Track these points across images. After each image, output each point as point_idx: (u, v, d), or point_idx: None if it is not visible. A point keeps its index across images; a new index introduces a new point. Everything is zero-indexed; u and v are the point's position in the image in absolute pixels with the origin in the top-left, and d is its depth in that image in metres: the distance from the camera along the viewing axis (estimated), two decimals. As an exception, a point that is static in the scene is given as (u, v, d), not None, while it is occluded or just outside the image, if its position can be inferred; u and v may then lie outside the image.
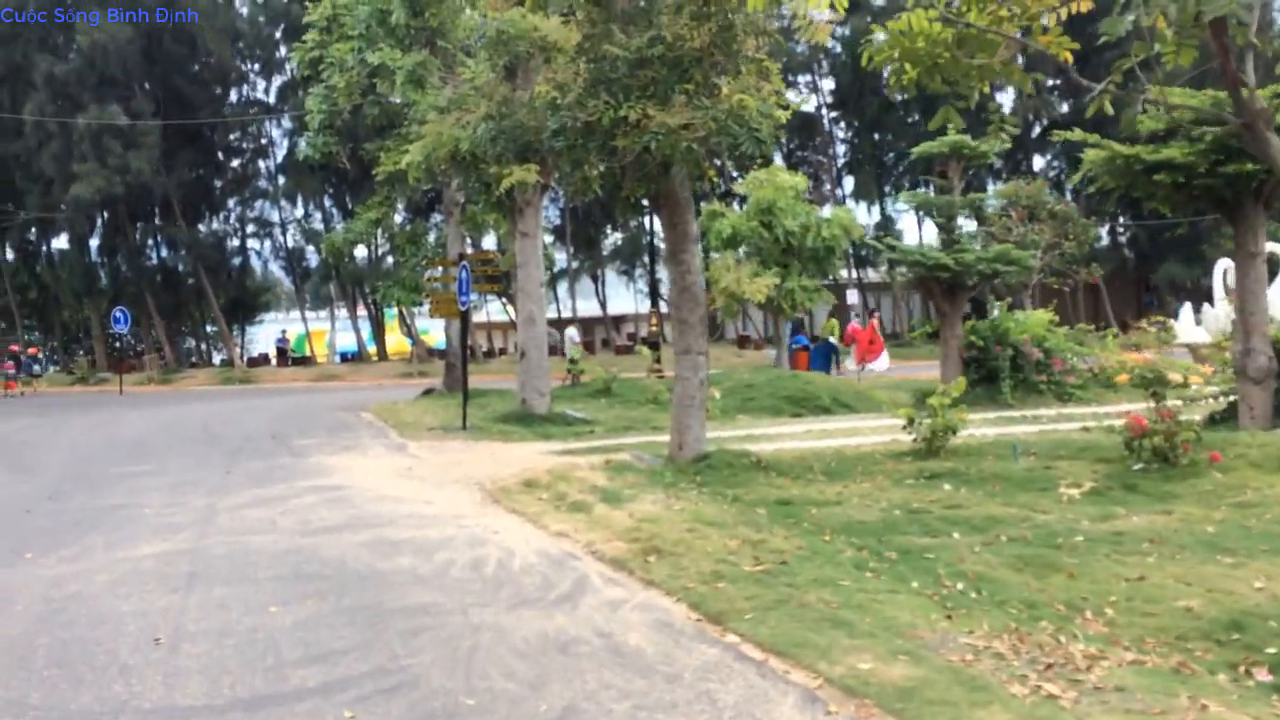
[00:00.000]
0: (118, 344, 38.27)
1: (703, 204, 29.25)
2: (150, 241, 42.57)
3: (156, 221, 41.47)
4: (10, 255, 46.07)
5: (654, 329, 27.28)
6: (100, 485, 11.50)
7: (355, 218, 22.95)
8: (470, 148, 16.13)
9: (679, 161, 10.75)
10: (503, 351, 44.22)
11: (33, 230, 43.23)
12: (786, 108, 11.12)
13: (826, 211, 26.29)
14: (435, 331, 46.07)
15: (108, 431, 18.15)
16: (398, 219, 26.63)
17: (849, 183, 42.52)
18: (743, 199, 29.05)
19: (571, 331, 27.25)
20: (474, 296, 16.91)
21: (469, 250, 23.10)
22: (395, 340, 46.58)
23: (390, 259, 40.69)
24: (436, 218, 32.71)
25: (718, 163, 12.08)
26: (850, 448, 13.40)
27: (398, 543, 8.26)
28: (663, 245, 12.32)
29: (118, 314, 32.38)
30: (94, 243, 43.83)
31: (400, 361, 41.47)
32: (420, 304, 23.18)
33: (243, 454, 14.06)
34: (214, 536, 8.59)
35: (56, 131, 34.94)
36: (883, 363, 25.78)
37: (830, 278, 26.36)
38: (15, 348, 36.60)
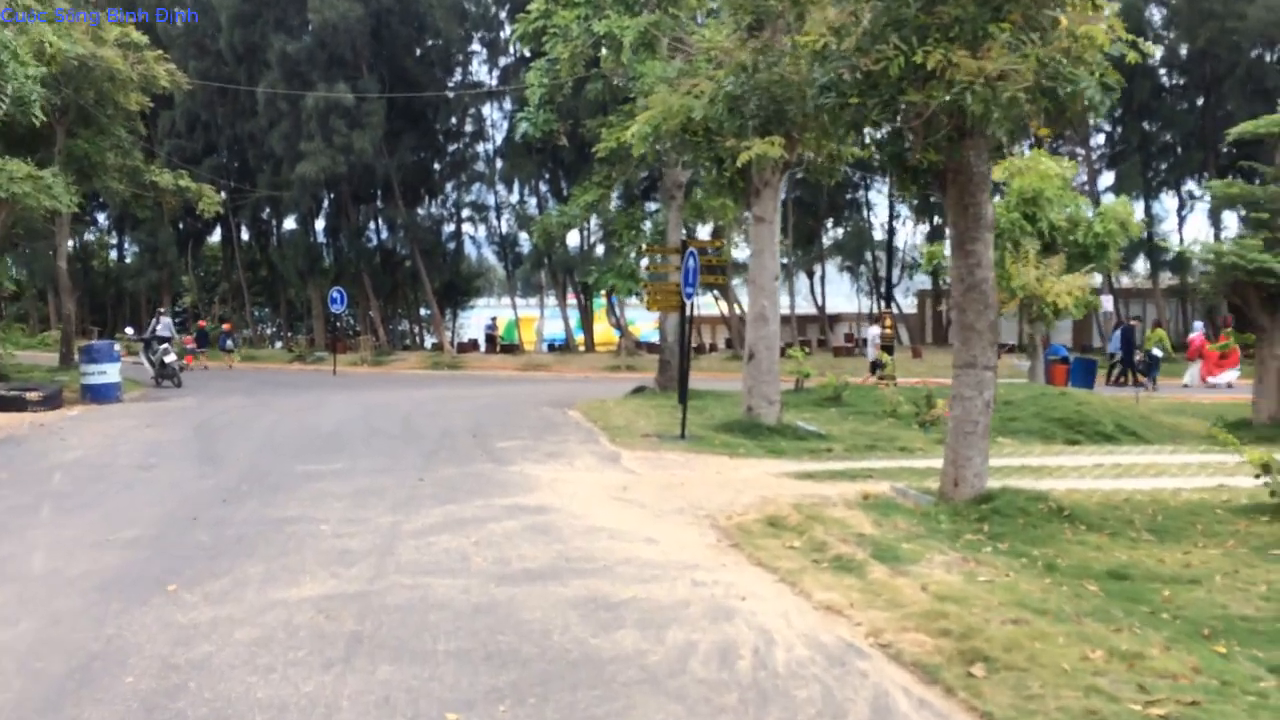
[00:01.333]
0: (336, 324, 38.69)
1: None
2: (370, 223, 43.03)
3: (378, 203, 41.79)
4: (245, 234, 47.86)
5: (889, 331, 24.53)
6: (280, 488, 10.13)
7: (570, 200, 21.44)
8: (705, 118, 14.14)
9: (997, 120, 8.30)
10: (712, 348, 42.28)
11: (266, 210, 44.57)
12: (1134, 45, 8.45)
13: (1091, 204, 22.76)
14: (642, 322, 44.74)
15: (308, 417, 17.23)
16: (613, 203, 25.01)
17: (1106, 177, 38.17)
18: (996, 187, 25.85)
19: (875, 331, 24.88)
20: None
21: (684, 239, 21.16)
22: (601, 330, 45.50)
23: (601, 247, 39.55)
24: (651, 206, 31.15)
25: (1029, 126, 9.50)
26: (1166, 493, 10.64)
27: (617, 605, 6.28)
28: (949, 230, 9.78)
29: (334, 294, 32.41)
30: (319, 224, 44.87)
31: (607, 353, 40.26)
32: (636, 293, 21.39)
33: (439, 455, 12.55)
34: (391, 575, 6.86)
35: (286, 110, 35.44)
36: (1227, 376, 22.46)
37: (1100, 279, 22.86)
38: (203, 323, 37.77)
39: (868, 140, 10.26)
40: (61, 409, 18.42)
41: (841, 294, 49.82)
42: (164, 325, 25.57)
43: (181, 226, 45.72)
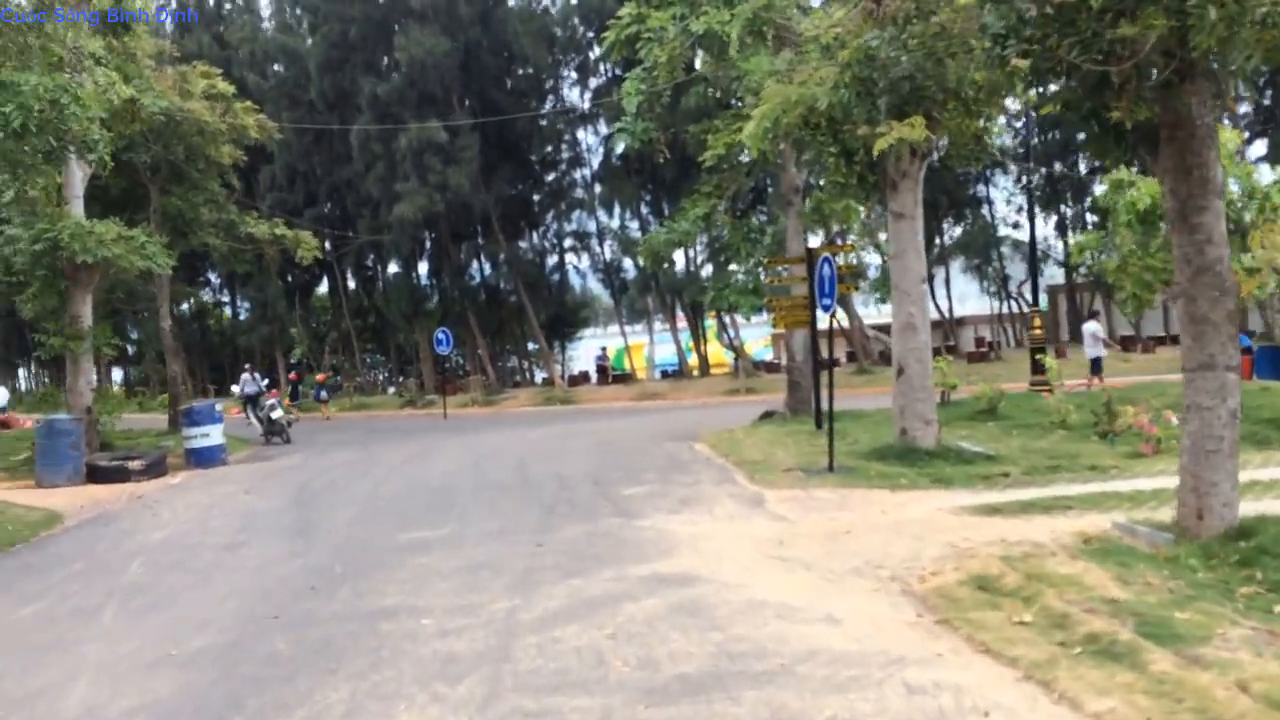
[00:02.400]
0: (445, 366, 37.91)
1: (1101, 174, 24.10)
2: (473, 261, 42.29)
3: (478, 240, 41.03)
4: (351, 283, 47.75)
5: (1038, 332, 22.21)
6: (379, 564, 8.69)
7: (677, 216, 19.87)
8: (830, 106, 12.41)
9: (1242, 49, 6.38)
10: (835, 362, 39.93)
11: (371, 257, 44.29)
12: None
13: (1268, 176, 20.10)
14: (752, 341, 42.77)
15: (416, 470, 15.94)
16: (719, 215, 23.13)
17: (1256, 146, 34.80)
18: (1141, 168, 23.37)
19: (1095, 326, 22.50)
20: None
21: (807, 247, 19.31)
22: (713, 352, 43.72)
23: (709, 266, 37.87)
24: (759, 218, 29.35)
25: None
26: None
27: (814, 735, 4.55)
28: (1166, 201, 7.77)
29: (439, 335, 31.48)
30: (422, 266, 44.36)
31: (723, 376, 38.51)
32: (758, 310, 19.66)
33: (558, 510, 11.00)
34: (509, 695, 5.27)
35: (380, 153, 34.90)
36: None
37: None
38: (295, 376, 37.44)
39: (1048, 97, 8.36)
40: (165, 476, 17.58)
41: (966, 296, 47.11)
42: (245, 382, 24.83)
43: (290, 279, 45.84)
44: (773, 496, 11.22)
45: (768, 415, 19.90)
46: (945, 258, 39.32)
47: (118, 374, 57.53)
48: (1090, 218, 39.86)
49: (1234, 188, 19.19)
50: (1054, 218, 42.84)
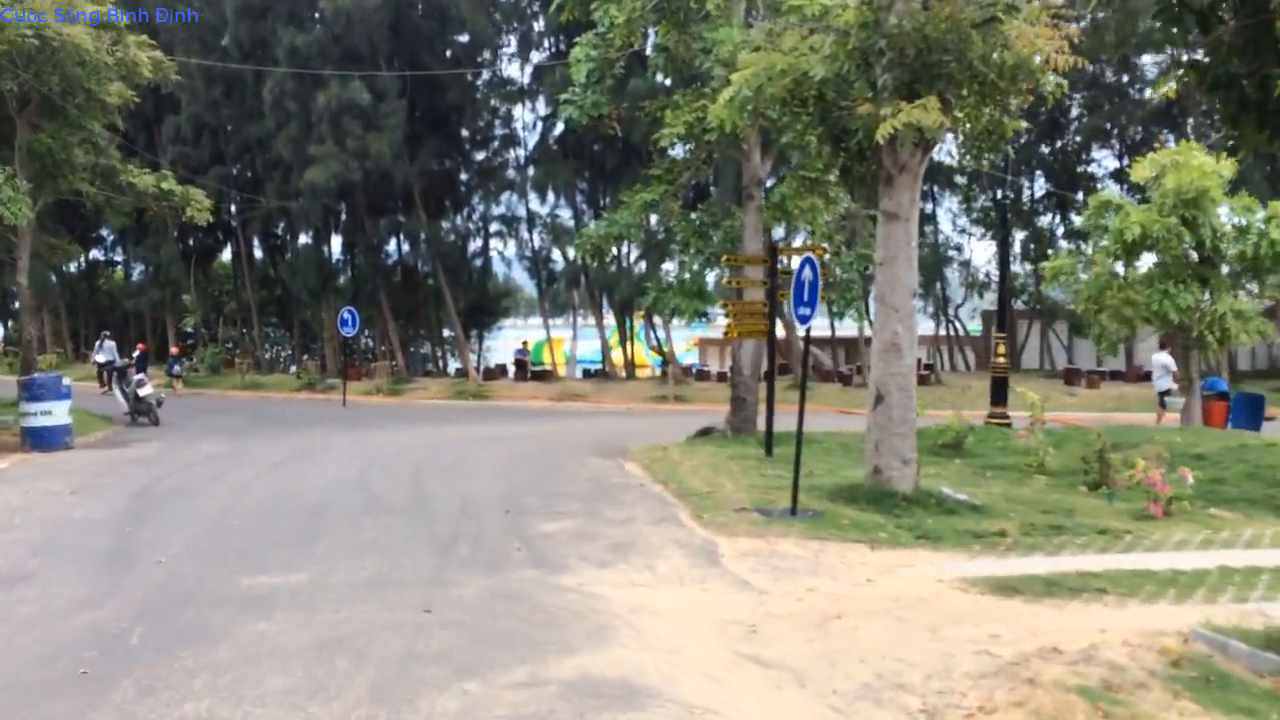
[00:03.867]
0: (350, 348, 34.99)
1: (1086, 195, 22.63)
2: (390, 238, 39.32)
3: (398, 216, 38.07)
4: (258, 251, 44.36)
5: (1002, 359, 20.46)
6: (193, 634, 6.19)
7: (621, 206, 17.55)
8: (828, 77, 10.28)
9: None
10: (785, 369, 37.50)
11: (280, 226, 41.01)
12: None
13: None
14: (675, 343, 40.51)
15: (291, 475, 13.35)
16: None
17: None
18: (1134, 188, 21.89)
19: (1165, 358, 20.54)
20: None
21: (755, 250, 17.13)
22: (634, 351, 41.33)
23: (643, 263, 35.64)
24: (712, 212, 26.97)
25: None
26: None
27: None
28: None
29: (345, 314, 28.63)
30: (336, 240, 41.28)
31: (649, 381, 36.27)
32: (704, 315, 17.44)
33: (458, 551, 8.60)
34: None
35: (295, 111, 31.81)
36: None
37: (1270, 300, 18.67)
38: (177, 350, 34.53)
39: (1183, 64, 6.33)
40: (-9, 459, 14.71)
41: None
42: (106, 350, 21.82)
43: (192, 242, 42.36)
44: (728, 548, 8.98)
45: (705, 432, 17.71)
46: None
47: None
48: (1032, 245, 38.79)
49: (1225, 220, 17.67)
50: (992, 244, 41.76)
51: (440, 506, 10.78)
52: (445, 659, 5.69)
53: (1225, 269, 17.99)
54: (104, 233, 46.80)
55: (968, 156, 12.18)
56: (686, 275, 17.01)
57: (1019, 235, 38.61)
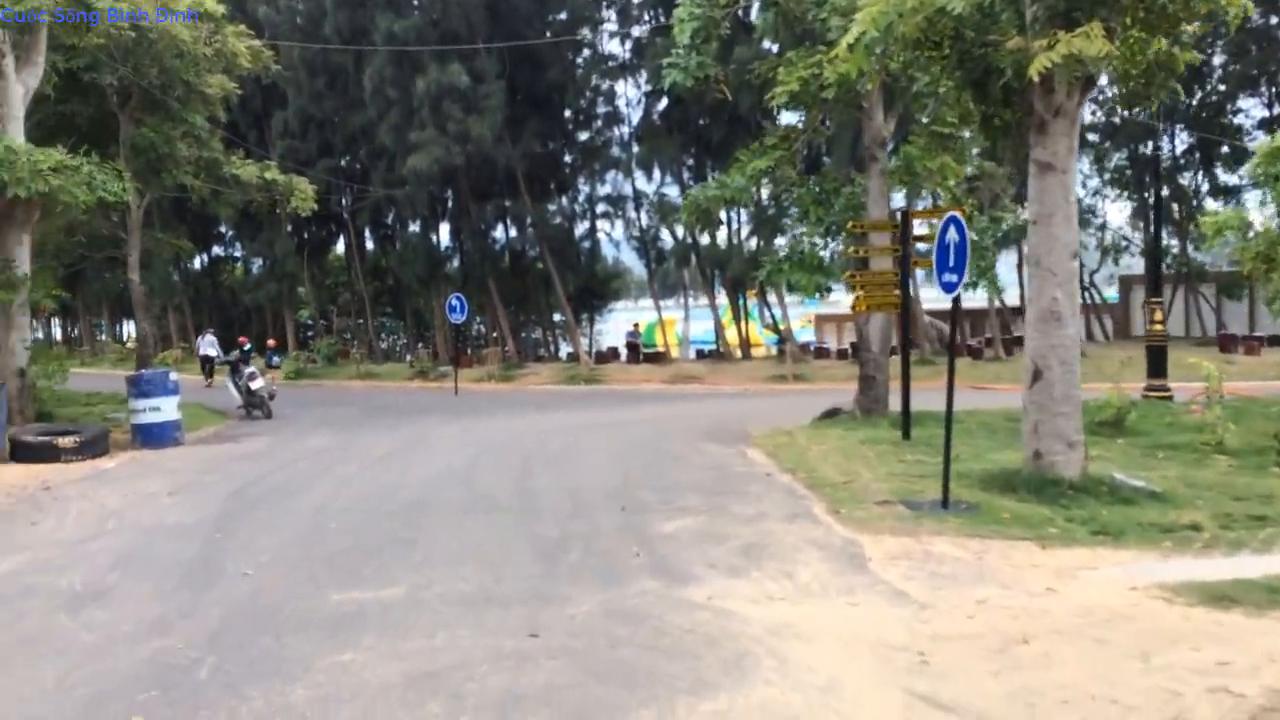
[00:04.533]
0: (461, 335, 34.66)
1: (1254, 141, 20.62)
2: (496, 223, 38.87)
3: (503, 201, 37.54)
4: (369, 242, 44.54)
5: (1159, 327, 18.63)
6: (269, 667, 5.36)
7: (733, 168, 16.36)
8: (968, 9, 9.01)
9: None
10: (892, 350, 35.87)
11: (389, 215, 41.01)
12: None
13: None
14: (791, 319, 39.08)
15: (394, 469, 12.68)
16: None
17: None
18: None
19: None
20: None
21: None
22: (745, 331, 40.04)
23: (754, 239, 34.32)
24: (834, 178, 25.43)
25: None
26: None
27: None
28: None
29: (453, 301, 28.19)
30: (443, 227, 41.09)
31: (766, 360, 35.01)
32: (825, 290, 16.17)
33: (568, 558, 7.67)
34: None
35: (396, 98, 31.48)
36: None
37: None
38: (274, 342, 33.92)
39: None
40: (103, 456, 14.47)
41: (1010, 284, 43.01)
42: (207, 343, 21.59)
43: (306, 235, 42.79)
44: (875, 549, 7.84)
45: (832, 413, 16.49)
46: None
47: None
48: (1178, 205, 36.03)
49: None
50: (1130, 204, 39.11)
51: (549, 503, 9.90)
52: (552, 701, 4.75)
53: None
54: (222, 229, 47.76)
55: (1129, 100, 10.61)
56: (805, 247, 15.74)
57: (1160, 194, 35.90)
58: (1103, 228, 38.07)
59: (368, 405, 23.94)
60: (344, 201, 39.70)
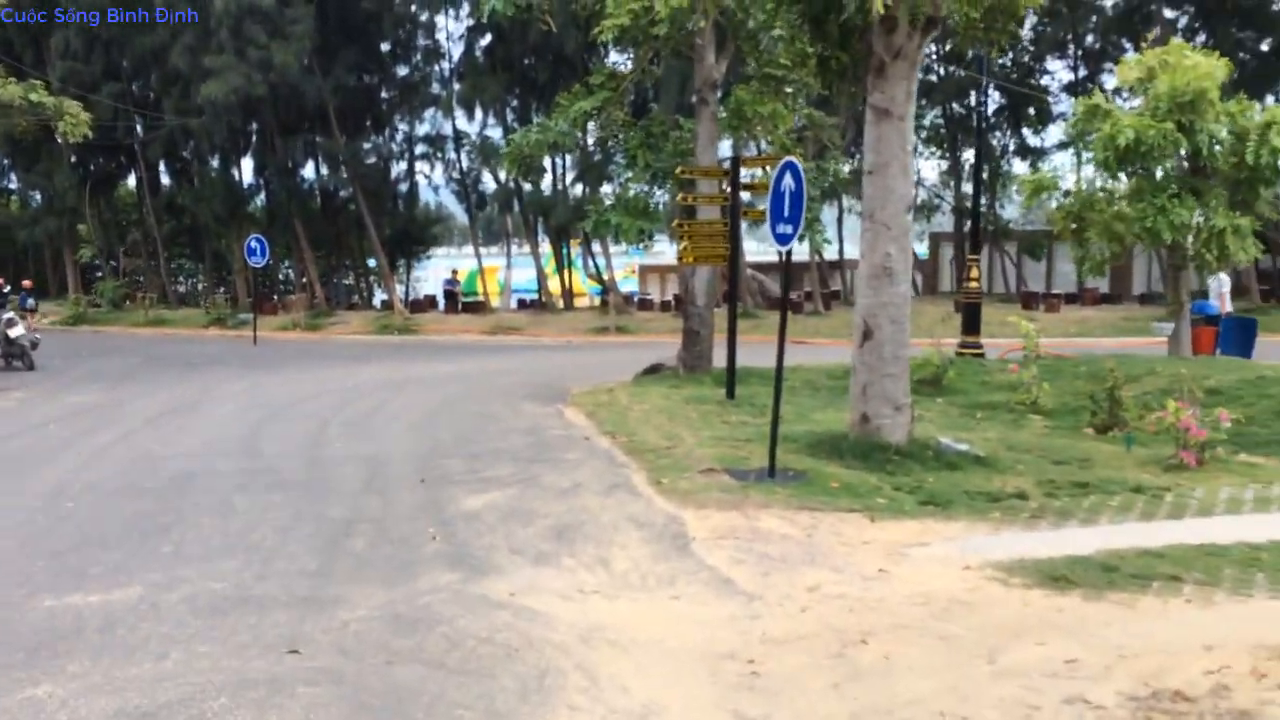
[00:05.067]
0: (263, 280, 32.34)
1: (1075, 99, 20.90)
2: (306, 161, 36.35)
3: (314, 137, 35.06)
4: (165, 178, 41.00)
5: (975, 284, 18.82)
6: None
7: (557, 112, 15.35)
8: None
9: None
10: (669, 305, 35.13)
11: (188, 149, 37.73)
12: None
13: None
14: (614, 270, 38.35)
15: (163, 435, 11.22)
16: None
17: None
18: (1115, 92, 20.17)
19: (1224, 279, 18.72)
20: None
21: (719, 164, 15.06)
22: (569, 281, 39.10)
23: (579, 188, 33.35)
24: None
25: None
26: None
27: None
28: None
29: (253, 243, 26.08)
30: (247, 165, 38.22)
31: (589, 311, 34.23)
32: (649, 237, 15.43)
33: (351, 546, 6.65)
34: None
35: (191, 19, 28.68)
36: None
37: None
38: (29, 284, 30.22)
39: None
40: None
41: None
42: None
43: (92, 168, 38.96)
44: (699, 526, 7.15)
45: (655, 370, 15.85)
46: (837, 193, 35.62)
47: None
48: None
49: (1224, 126, 16.01)
50: (939, 164, 40.18)
51: (341, 476, 8.79)
52: (308, 750, 3.79)
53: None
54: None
55: (967, 44, 10.18)
56: (631, 192, 14.92)
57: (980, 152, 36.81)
58: (918, 184, 38.88)
59: (151, 355, 21.82)
60: (136, 131, 36.34)
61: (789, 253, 8.78)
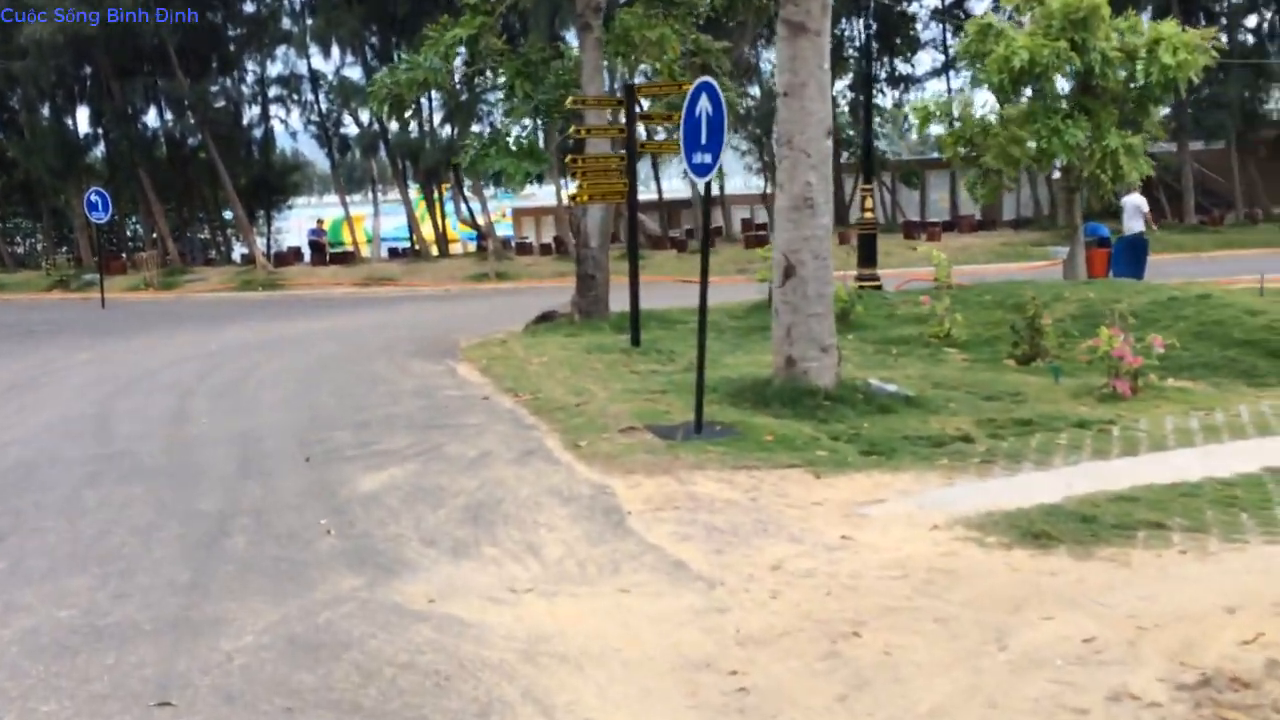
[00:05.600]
0: (109, 237, 29.91)
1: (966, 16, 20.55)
2: (147, 106, 33.65)
3: (155, 80, 32.40)
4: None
5: (869, 214, 18.35)
6: None
7: (426, 45, 14.06)
8: None
9: None
10: (547, 249, 34.05)
11: (16, 96, 34.44)
12: None
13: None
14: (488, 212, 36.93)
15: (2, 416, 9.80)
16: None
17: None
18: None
19: (1138, 199, 17.95)
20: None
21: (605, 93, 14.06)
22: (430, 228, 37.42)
23: (449, 128, 31.74)
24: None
25: None
26: None
27: None
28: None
29: (92, 197, 23.85)
30: (83, 113, 35.19)
31: (465, 258, 32.88)
32: (537, 177, 14.40)
33: (230, 546, 5.61)
34: None
35: (4, -53, 25.92)
36: None
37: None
38: None
39: None
40: None
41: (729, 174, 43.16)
42: None
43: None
44: (631, 497, 6.35)
45: (547, 317, 14.92)
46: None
47: None
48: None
49: (1112, 43, 15.79)
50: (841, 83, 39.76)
51: (211, 458, 7.66)
52: None
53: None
54: None
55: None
56: (516, 129, 13.81)
57: (842, 84, 36.57)
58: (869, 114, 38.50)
59: (-16, 328, 19.76)
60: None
61: (709, 185, 7.95)
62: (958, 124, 16.90)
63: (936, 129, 18.30)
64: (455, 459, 7.35)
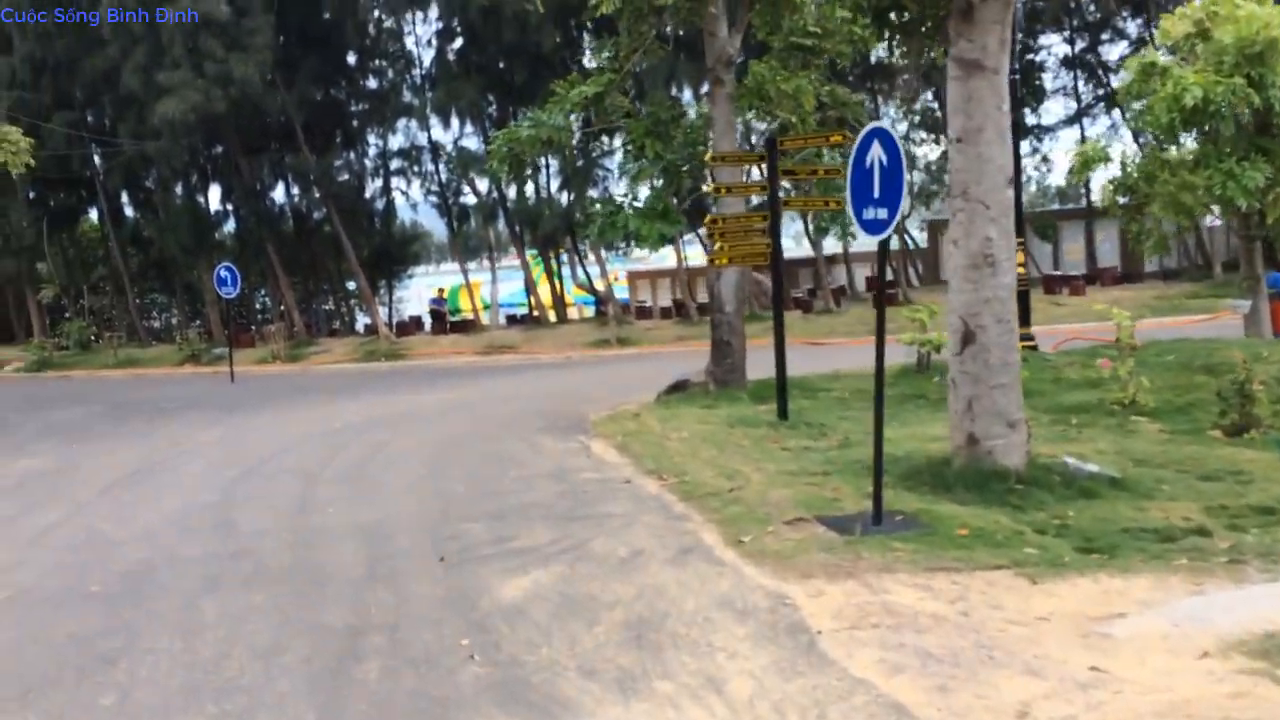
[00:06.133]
0: (237, 311, 30.46)
1: (1123, 59, 19.34)
2: (275, 182, 34.51)
3: (282, 156, 33.17)
4: (129, 209, 39.02)
5: (1019, 269, 16.96)
6: None
7: (552, 101, 13.58)
8: None
9: None
10: (668, 312, 33.44)
11: (151, 176, 35.75)
12: None
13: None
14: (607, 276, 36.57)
15: (121, 507, 9.37)
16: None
17: None
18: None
19: None
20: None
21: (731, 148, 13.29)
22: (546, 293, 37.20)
23: (565, 195, 31.55)
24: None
25: None
26: None
27: None
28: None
29: (222, 272, 24.23)
30: (214, 191, 36.32)
31: (584, 324, 32.44)
32: (670, 241, 13.68)
33: (360, 674, 4.85)
34: None
35: (142, 33, 26.78)
36: None
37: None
38: None
39: None
40: None
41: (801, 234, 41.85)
42: None
43: (51, 204, 37.03)
44: (816, 609, 5.39)
45: (680, 386, 14.10)
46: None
47: None
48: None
49: None
50: (935, 148, 38.57)
51: (337, 558, 6.98)
52: None
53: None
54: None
55: None
56: (645, 189, 13.15)
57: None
58: (910, 168, 37.30)
59: (117, 402, 19.92)
60: (93, 161, 34.42)
61: (885, 244, 7.04)
62: (1122, 169, 15.63)
63: (1099, 178, 17.10)
64: (604, 559, 6.51)
